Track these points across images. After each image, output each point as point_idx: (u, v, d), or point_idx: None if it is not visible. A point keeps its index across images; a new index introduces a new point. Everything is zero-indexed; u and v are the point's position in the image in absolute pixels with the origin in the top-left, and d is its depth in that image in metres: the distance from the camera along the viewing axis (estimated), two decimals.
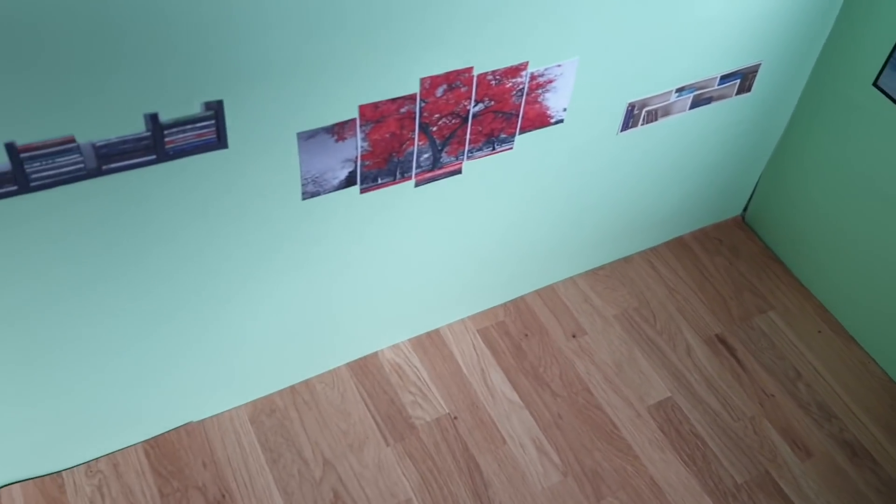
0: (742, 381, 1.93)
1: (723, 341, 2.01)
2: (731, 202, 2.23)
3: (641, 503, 1.72)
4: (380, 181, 1.50)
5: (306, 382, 1.85)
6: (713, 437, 1.83)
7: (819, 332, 2.04)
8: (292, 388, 1.84)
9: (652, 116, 1.76)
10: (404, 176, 1.52)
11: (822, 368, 1.97)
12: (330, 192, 1.46)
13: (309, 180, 1.42)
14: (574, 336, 1.99)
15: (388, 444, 1.77)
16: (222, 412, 1.79)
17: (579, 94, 1.59)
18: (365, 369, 1.89)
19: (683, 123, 1.84)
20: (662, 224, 2.14)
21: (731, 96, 1.84)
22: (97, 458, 1.70)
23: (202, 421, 1.77)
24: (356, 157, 1.43)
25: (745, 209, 2.27)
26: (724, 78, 1.78)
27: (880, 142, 1.80)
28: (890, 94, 1.73)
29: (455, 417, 1.83)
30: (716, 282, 2.14)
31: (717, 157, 2.03)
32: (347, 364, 1.89)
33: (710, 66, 1.73)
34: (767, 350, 2.00)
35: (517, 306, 2.03)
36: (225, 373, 1.71)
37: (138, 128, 1.19)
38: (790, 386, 1.93)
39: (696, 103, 1.80)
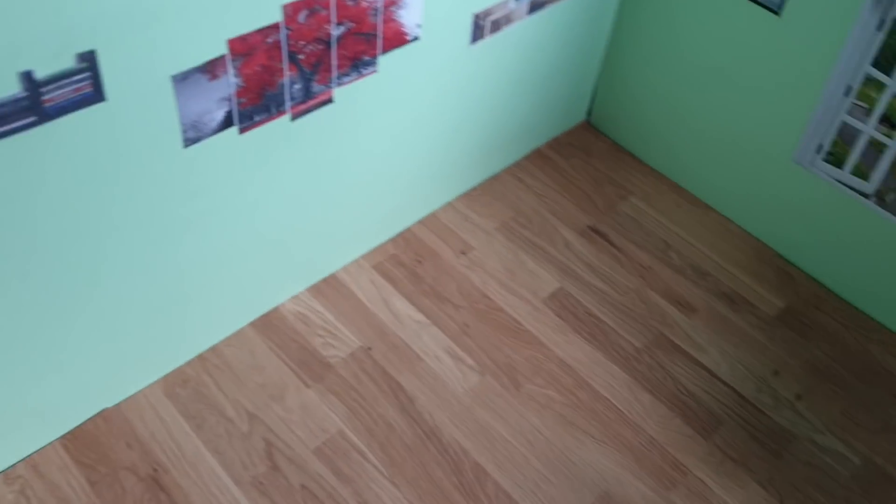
0: (620, 261, 2.09)
1: (595, 230, 2.16)
2: (575, 108, 2.38)
3: (557, 383, 1.83)
4: (256, 119, 1.52)
5: (213, 349, 1.84)
6: (606, 314, 1.97)
7: (677, 206, 2.23)
8: (200, 356, 1.82)
9: (496, 26, 1.86)
10: (279, 110, 1.54)
11: (687, 236, 2.16)
12: (210, 135, 1.46)
13: (188, 125, 1.42)
14: (463, 252, 2.07)
15: (308, 387, 1.80)
16: (135, 393, 1.75)
17: (430, 9, 1.66)
18: (269, 324, 1.90)
19: (525, 31, 1.95)
20: (520, 139, 2.26)
21: (561, 0, 1.97)
22: (13, 465, 1.62)
23: (117, 405, 1.72)
24: (231, 95, 1.44)
25: (589, 113, 2.43)
26: None
27: (705, 18, 1.98)
28: None
29: (368, 348, 1.87)
30: (577, 181, 2.28)
31: (557, 64, 2.16)
32: (250, 323, 1.89)
33: None
34: (636, 230, 2.16)
35: (405, 238, 2.09)
36: (130, 352, 1.67)
37: (13, 88, 1.16)
38: (663, 256, 2.11)
39: (532, 8, 1.91)
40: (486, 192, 2.23)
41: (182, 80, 1.35)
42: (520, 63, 2.02)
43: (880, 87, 1.72)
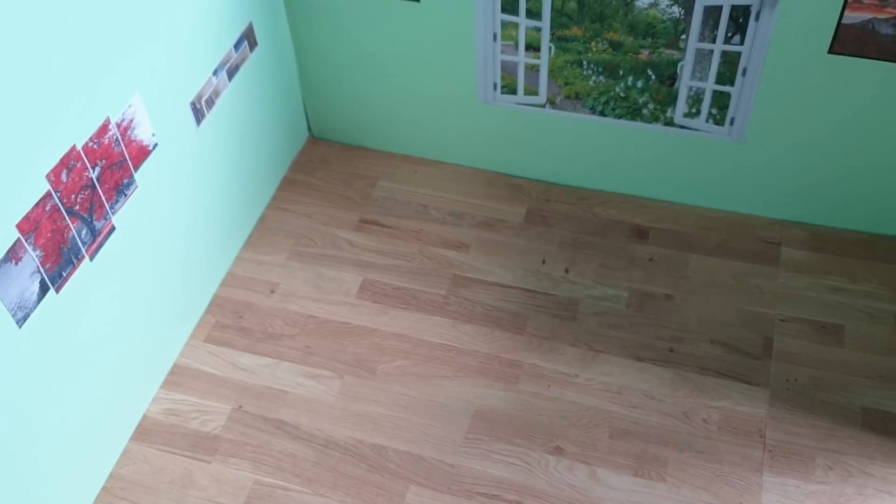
0: (396, 236, 2.47)
1: (365, 221, 2.51)
2: (297, 130, 2.70)
3: (401, 352, 2.20)
4: (64, 274, 1.71)
5: (112, 476, 2.01)
6: (408, 281, 2.35)
7: (415, 172, 2.64)
8: (104, 488, 1.99)
9: (210, 103, 2.13)
10: (79, 258, 1.74)
11: (434, 192, 2.57)
12: (35, 307, 1.64)
13: (14, 308, 1.59)
14: (272, 291, 2.35)
15: (209, 462, 2.03)
16: None
17: (156, 118, 1.91)
18: (147, 431, 2.09)
19: (234, 95, 2.23)
20: (267, 176, 2.55)
21: (249, 55, 2.27)
22: None
23: None
24: (38, 267, 1.62)
25: (310, 129, 2.76)
26: (236, 45, 2.19)
27: (367, 19, 2.35)
28: None
29: (240, 406, 2.12)
30: (330, 189, 2.62)
31: (269, 104, 2.46)
32: (131, 439, 2.07)
33: (221, 43, 2.12)
34: (395, 206, 2.55)
35: (217, 304, 2.33)
36: None
37: None
38: (425, 216, 2.51)
39: (230, 75, 2.19)
40: (262, 234, 2.50)
41: None
42: (240, 119, 2.30)
43: (515, 25, 2.19)
